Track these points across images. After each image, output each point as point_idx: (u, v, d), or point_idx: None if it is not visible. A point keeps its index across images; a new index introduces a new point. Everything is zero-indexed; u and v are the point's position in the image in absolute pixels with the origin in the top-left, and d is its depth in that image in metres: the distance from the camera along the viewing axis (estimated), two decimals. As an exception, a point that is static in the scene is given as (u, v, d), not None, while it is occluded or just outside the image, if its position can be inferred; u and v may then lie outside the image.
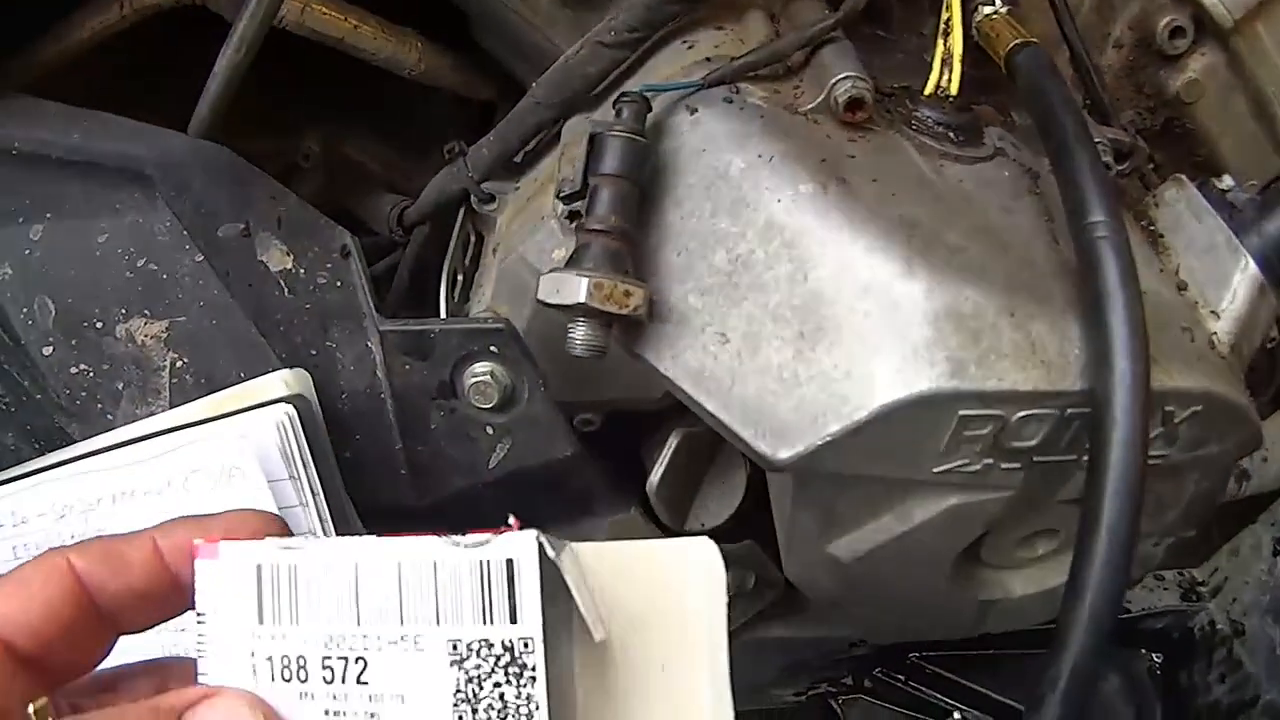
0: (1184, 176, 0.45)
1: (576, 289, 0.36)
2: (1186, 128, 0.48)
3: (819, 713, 0.56)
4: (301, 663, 0.26)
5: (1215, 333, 0.42)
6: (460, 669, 0.25)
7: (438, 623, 0.25)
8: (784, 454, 0.36)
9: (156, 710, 0.27)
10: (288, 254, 0.43)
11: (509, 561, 0.25)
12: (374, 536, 0.27)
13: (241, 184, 0.43)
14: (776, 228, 0.37)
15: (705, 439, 0.44)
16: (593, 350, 0.37)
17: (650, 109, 0.39)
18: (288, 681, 0.26)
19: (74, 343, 0.45)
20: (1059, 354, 0.37)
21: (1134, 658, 0.54)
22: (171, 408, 0.44)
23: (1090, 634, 0.35)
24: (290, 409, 0.40)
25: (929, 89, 0.43)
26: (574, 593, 0.25)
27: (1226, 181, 0.45)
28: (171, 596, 0.30)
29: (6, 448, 0.49)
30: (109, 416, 0.45)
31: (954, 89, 0.43)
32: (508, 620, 0.25)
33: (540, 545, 0.25)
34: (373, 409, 0.43)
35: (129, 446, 0.43)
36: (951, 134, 0.42)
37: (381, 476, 0.43)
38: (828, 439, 0.36)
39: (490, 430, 0.42)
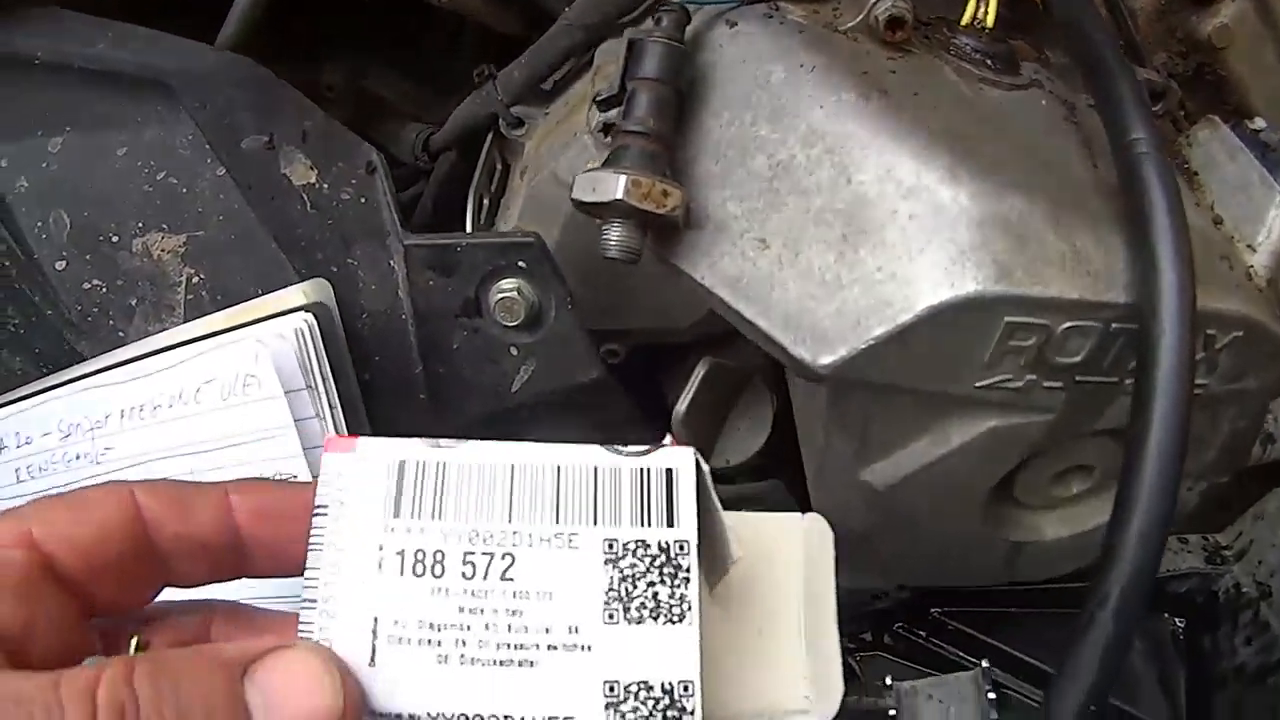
0: (1216, 117, 0.45)
1: (614, 186, 0.35)
2: (1218, 74, 0.48)
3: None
4: (439, 557, 0.26)
5: (1252, 265, 0.42)
6: (614, 568, 0.26)
7: (594, 523, 0.26)
8: (825, 359, 0.35)
9: (216, 664, 0.25)
10: (312, 168, 0.42)
11: (669, 470, 0.26)
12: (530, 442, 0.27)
13: (266, 96, 0.42)
14: (818, 134, 0.37)
15: (732, 371, 0.43)
16: (627, 252, 0.36)
17: (689, 20, 0.39)
18: (419, 576, 0.26)
19: (88, 257, 0.44)
20: (1104, 266, 0.36)
21: (1157, 621, 0.53)
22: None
23: (1141, 549, 0.34)
24: (310, 317, 0.39)
25: (965, 19, 0.43)
26: (717, 509, 0.27)
27: (1259, 123, 0.45)
28: (233, 555, 0.29)
29: (14, 372, 0.48)
30: (120, 334, 0.44)
31: (990, 21, 0.43)
32: (665, 524, 0.26)
33: (698, 460, 0.26)
34: (393, 330, 0.42)
35: (139, 361, 0.42)
36: (989, 61, 0.42)
37: (400, 401, 0.42)
38: (871, 343, 0.35)
39: (515, 351, 0.41)
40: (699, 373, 0.42)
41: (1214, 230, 0.42)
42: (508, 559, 0.26)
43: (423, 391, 0.42)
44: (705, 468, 0.27)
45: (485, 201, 0.45)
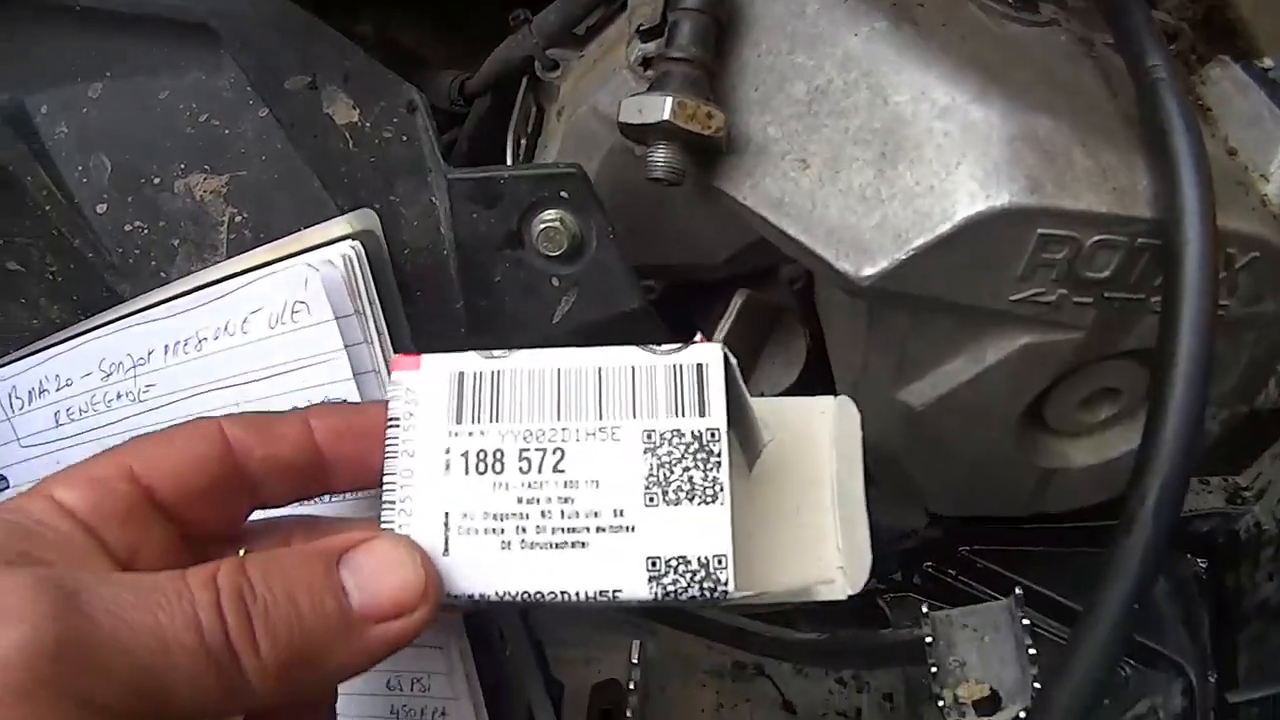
0: (1227, 57, 0.47)
1: (660, 107, 0.36)
2: (1227, 17, 0.50)
3: (867, 612, 0.55)
4: (498, 455, 0.29)
5: (1266, 193, 0.43)
6: (653, 455, 0.28)
7: (634, 416, 0.29)
8: (868, 271, 0.37)
9: (313, 554, 0.29)
10: (354, 108, 0.43)
11: (699, 365, 0.29)
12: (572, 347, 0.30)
13: (308, 37, 0.43)
14: (854, 59, 0.38)
15: (766, 306, 0.45)
16: (672, 172, 0.37)
17: (727, -45, 0.40)
18: (482, 474, 0.29)
19: (130, 200, 0.45)
20: (1129, 183, 0.38)
21: (1180, 562, 0.54)
22: (228, 262, 0.44)
23: (1176, 450, 0.36)
24: (357, 244, 0.40)
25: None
26: (745, 399, 0.29)
27: (1267, 62, 0.47)
28: (315, 474, 0.33)
29: (52, 321, 0.49)
30: (163, 274, 0.45)
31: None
32: (697, 413, 0.28)
33: (725, 354, 0.29)
34: (435, 265, 0.43)
35: (183, 297, 0.43)
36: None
37: (442, 334, 0.43)
38: (912, 253, 0.36)
39: (556, 282, 0.42)
40: (735, 304, 0.43)
41: (1229, 160, 0.44)
42: (558, 453, 0.29)
43: (464, 325, 0.43)
44: (733, 361, 0.29)
45: (523, 143, 0.47)
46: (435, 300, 0.42)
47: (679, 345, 0.29)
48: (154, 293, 0.44)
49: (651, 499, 0.28)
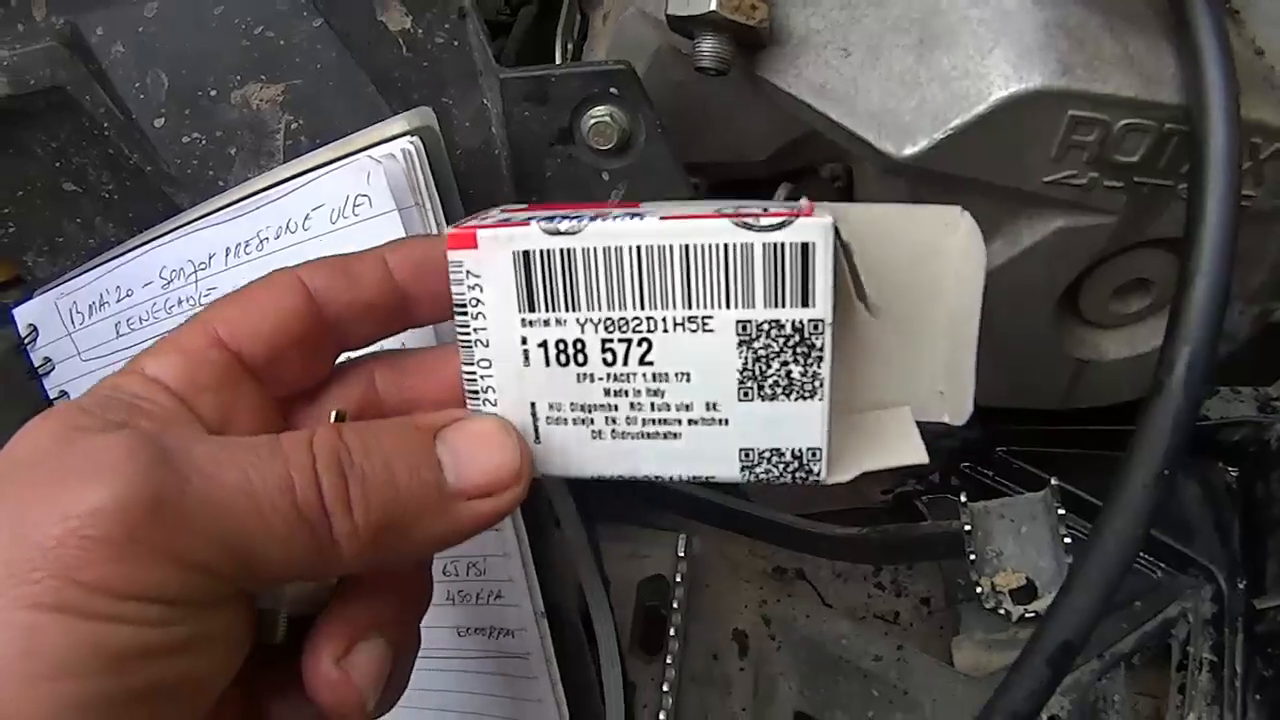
0: (1251, -42, 0.50)
1: (706, -1, 0.40)
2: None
3: (904, 513, 0.59)
4: (579, 347, 0.28)
5: (1293, 93, 0.46)
6: (748, 349, 0.27)
7: (727, 305, 0.27)
8: (908, 150, 0.40)
9: (412, 428, 0.30)
10: (406, 14, 0.46)
11: (805, 246, 0.26)
12: (655, 218, 0.27)
13: (361, -52, 0.46)
14: (891, -47, 0.42)
15: (809, 196, 0.48)
16: (720, 61, 0.41)
17: None
18: (564, 366, 0.29)
19: (186, 112, 0.48)
20: (1156, 69, 0.41)
21: (1210, 468, 0.57)
22: (286, 166, 0.47)
23: (1204, 319, 0.39)
24: (416, 139, 0.43)
25: None
26: (857, 274, 0.29)
27: (1295, -38, 0.50)
28: (397, 310, 0.33)
29: (108, 239, 0.52)
30: (221, 183, 0.48)
31: None
32: (799, 303, 0.27)
33: (835, 230, 0.26)
34: (488, 164, 0.46)
35: (243, 200, 0.46)
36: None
37: (495, 232, 0.46)
38: (950, 132, 0.40)
39: (606, 176, 0.45)
40: (780, 195, 0.47)
41: (1256, 59, 0.48)
42: (644, 344, 0.28)
43: (517, 221, 0.46)
44: (842, 236, 0.27)
45: (569, 49, 0.50)
46: (488, 199, 0.46)
47: (780, 219, 0.26)
48: (211, 200, 0.48)
49: (746, 394, 0.27)
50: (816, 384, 0.27)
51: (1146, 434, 0.39)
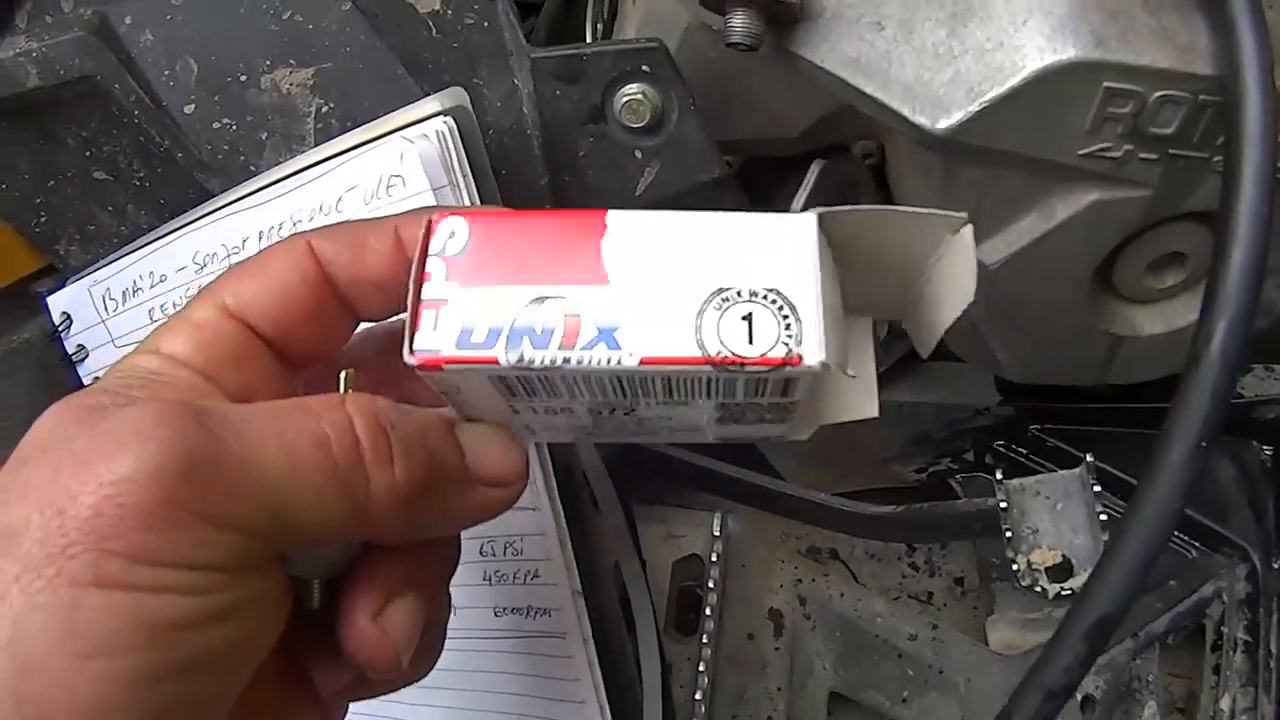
0: (1287, -73, 0.50)
1: (738, -28, 0.40)
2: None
3: (938, 492, 0.59)
4: (568, 410, 0.30)
5: (1327, 63, 0.47)
6: (726, 411, 0.30)
7: (708, 397, 0.28)
8: (943, 123, 0.40)
9: (432, 413, 0.30)
10: (436, -4, 0.47)
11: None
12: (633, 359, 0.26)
13: (389, -69, 0.47)
14: (923, -75, 0.42)
15: (842, 175, 0.48)
16: (750, 37, 0.41)
17: None
18: (556, 416, 0.30)
19: (217, 98, 0.49)
20: (1189, 41, 0.42)
21: (1245, 447, 0.57)
22: (317, 151, 0.48)
23: (1241, 281, 0.39)
24: (449, 120, 0.44)
25: None
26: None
27: (1329, -68, 0.51)
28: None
29: (140, 226, 0.53)
30: (252, 167, 0.49)
31: None
32: (780, 395, 0.28)
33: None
34: (520, 143, 0.47)
35: (276, 184, 0.47)
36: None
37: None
38: (984, 105, 0.40)
39: (639, 155, 0.46)
40: (813, 172, 0.47)
41: (1287, 30, 0.48)
42: (630, 412, 0.30)
43: (549, 201, 0.47)
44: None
45: (599, 28, 0.51)
46: (521, 178, 0.46)
47: (765, 368, 0.26)
48: (243, 185, 0.48)
49: (723, 422, 0.30)
50: (790, 414, 0.30)
51: (1184, 406, 0.39)
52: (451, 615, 0.37)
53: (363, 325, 0.34)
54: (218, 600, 0.25)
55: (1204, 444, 0.39)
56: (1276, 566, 0.57)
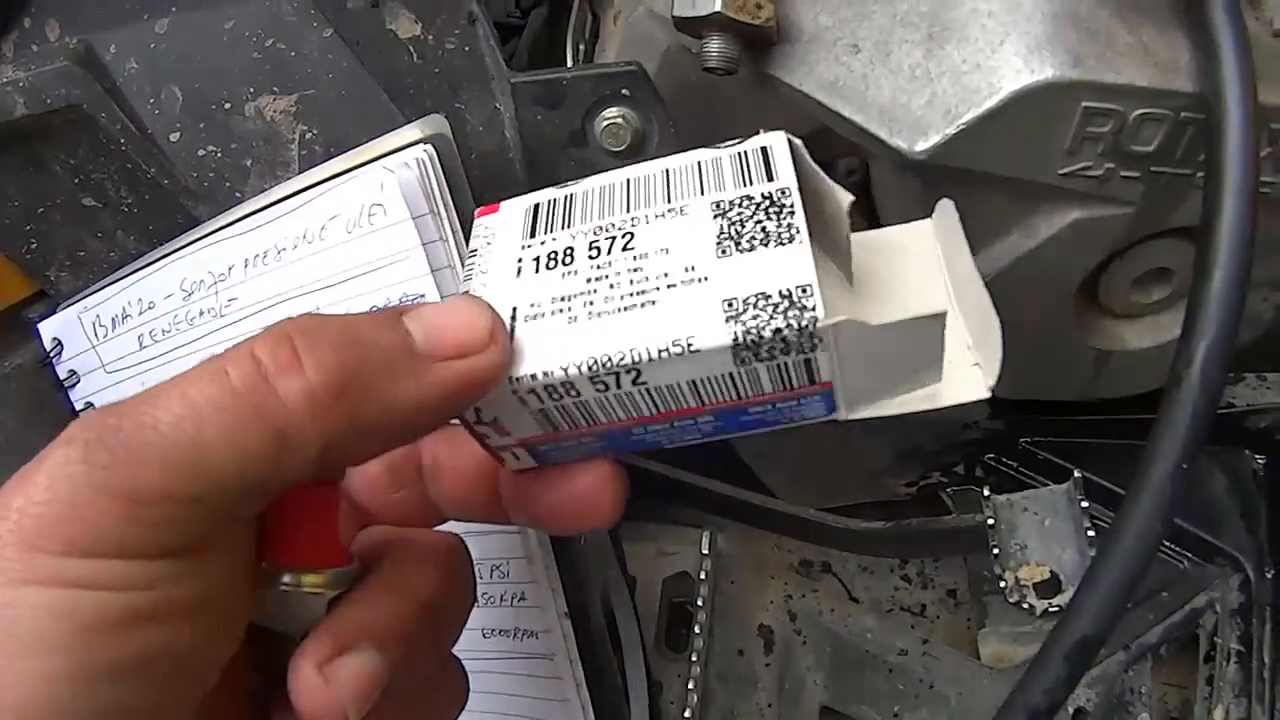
0: (1272, -64, 0.50)
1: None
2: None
3: (930, 505, 0.59)
4: (568, 252, 0.29)
5: (1313, 75, 0.47)
6: (723, 219, 0.28)
7: (701, 194, 0.29)
8: (921, 146, 0.41)
9: (379, 311, 0.30)
10: (416, 21, 0.47)
11: (764, 148, 0.29)
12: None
13: (368, -43, 0.47)
14: (899, -55, 0.42)
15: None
16: (726, 62, 0.41)
17: None
18: (550, 269, 0.29)
19: (201, 126, 0.49)
20: (1170, 58, 0.42)
21: (1238, 457, 0.58)
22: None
23: (1221, 312, 0.39)
24: (429, 148, 0.44)
25: None
26: (817, 171, 0.29)
27: (1315, -61, 0.50)
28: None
29: (129, 252, 0.53)
30: (237, 194, 0.49)
31: None
32: (765, 179, 0.28)
33: (788, 136, 0.29)
34: (502, 167, 0.47)
35: (261, 211, 0.47)
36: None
37: (510, 236, 0.47)
38: (961, 127, 0.40)
39: (620, 178, 0.46)
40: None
41: (1274, 41, 0.48)
42: (627, 236, 0.29)
43: (531, 225, 0.47)
44: (798, 142, 0.29)
45: (581, 49, 0.51)
46: (504, 200, 0.47)
47: (740, 139, 0.30)
48: (229, 212, 0.49)
49: (724, 251, 0.27)
50: (794, 231, 0.27)
51: (1165, 427, 0.39)
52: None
53: None
54: (154, 597, 0.24)
55: (1185, 465, 0.39)
56: (1269, 576, 0.57)
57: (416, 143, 0.44)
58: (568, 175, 0.47)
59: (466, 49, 0.47)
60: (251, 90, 0.49)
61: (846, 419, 0.29)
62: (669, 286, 0.27)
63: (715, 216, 0.28)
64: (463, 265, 0.32)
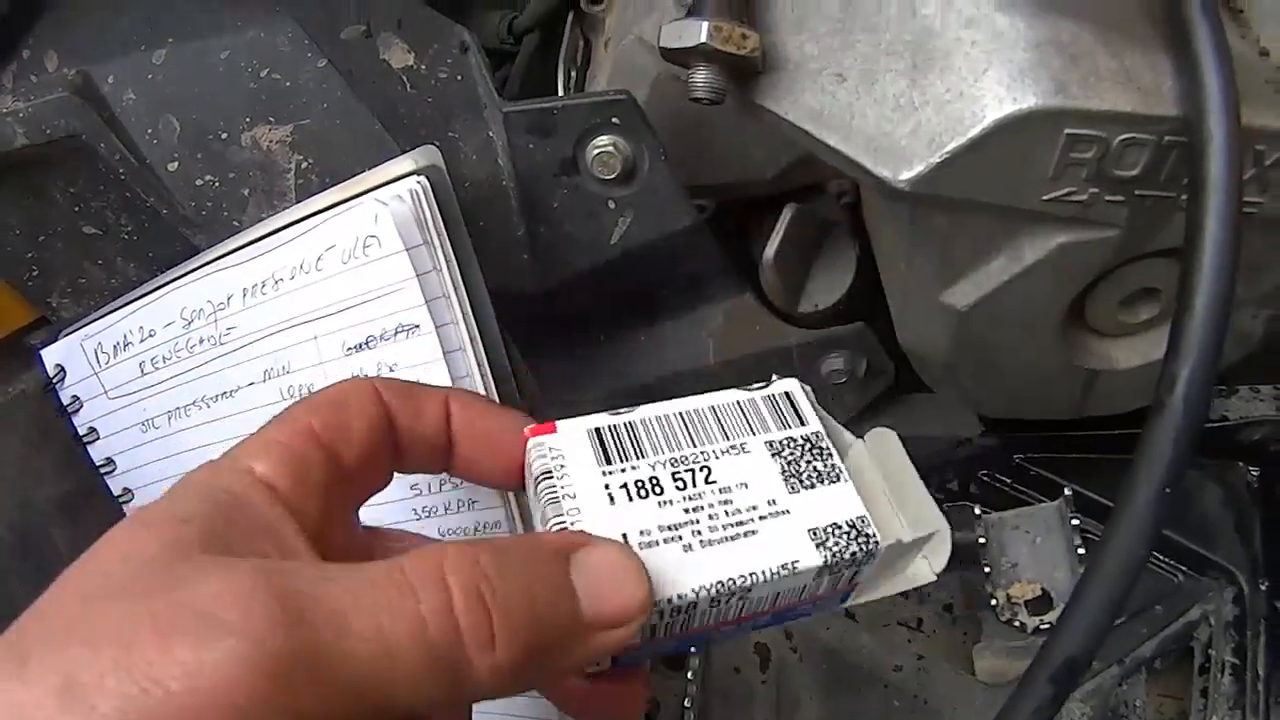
0: (1257, -45, 0.50)
1: (697, 31, 0.41)
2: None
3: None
4: (654, 482, 0.34)
5: (1299, 92, 0.47)
6: (780, 459, 0.35)
7: (753, 433, 0.36)
8: (905, 175, 0.41)
9: (546, 549, 0.29)
10: (409, 51, 0.48)
11: (787, 393, 0.37)
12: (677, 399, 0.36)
13: (361, -12, 0.48)
14: (883, -26, 0.43)
15: (815, 218, 0.50)
16: (713, 92, 0.42)
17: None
18: (644, 498, 0.33)
19: (199, 155, 0.50)
20: (1153, 83, 0.42)
21: (1231, 469, 0.58)
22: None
23: (1203, 338, 0.39)
24: (423, 179, 0.45)
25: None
26: (826, 416, 0.37)
27: (1301, -43, 0.51)
28: (441, 454, 0.35)
29: (130, 280, 0.55)
30: (235, 223, 0.50)
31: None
32: (798, 423, 0.36)
33: (800, 384, 0.38)
34: (496, 195, 0.48)
35: (258, 241, 0.48)
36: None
37: (505, 263, 0.48)
38: (946, 156, 0.41)
39: (612, 205, 0.47)
40: (785, 217, 0.48)
41: (1260, 60, 0.48)
42: (705, 470, 0.34)
43: (526, 251, 0.48)
44: (806, 387, 0.37)
45: (573, 74, 0.52)
46: (498, 229, 0.48)
47: (764, 384, 0.38)
48: (228, 241, 0.50)
49: (793, 488, 0.34)
50: (837, 472, 0.34)
51: (1147, 452, 0.40)
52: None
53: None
54: None
55: (1168, 490, 0.40)
56: (1264, 588, 0.58)
57: (410, 174, 0.45)
58: (560, 202, 0.48)
59: (459, 78, 0.48)
60: (248, 120, 0.50)
61: (849, 605, 0.36)
62: (761, 518, 0.33)
63: (773, 456, 0.35)
64: (536, 484, 0.34)
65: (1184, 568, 0.57)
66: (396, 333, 0.46)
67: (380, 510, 0.44)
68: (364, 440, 0.32)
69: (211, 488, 0.28)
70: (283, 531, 0.28)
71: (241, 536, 0.27)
